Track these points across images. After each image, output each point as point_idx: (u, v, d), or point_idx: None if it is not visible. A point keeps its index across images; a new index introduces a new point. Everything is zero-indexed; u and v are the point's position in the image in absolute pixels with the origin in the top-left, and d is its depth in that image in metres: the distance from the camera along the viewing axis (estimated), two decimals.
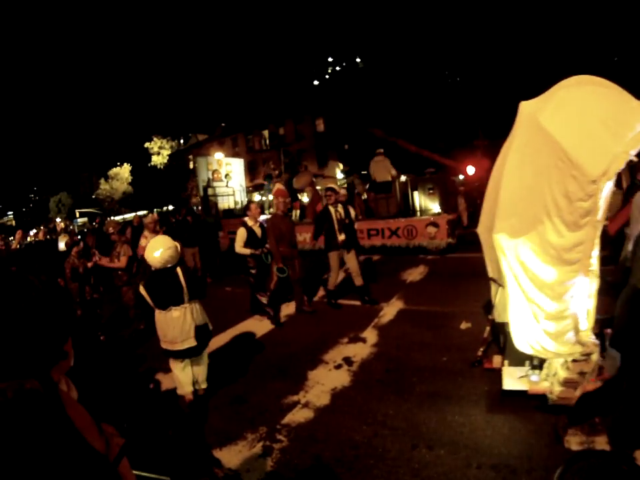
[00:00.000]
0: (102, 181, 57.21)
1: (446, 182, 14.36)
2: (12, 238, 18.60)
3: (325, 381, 4.86)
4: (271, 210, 17.15)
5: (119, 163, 57.92)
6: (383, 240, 12.33)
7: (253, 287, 7.36)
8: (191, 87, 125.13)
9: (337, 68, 57.12)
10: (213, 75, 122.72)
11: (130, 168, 56.56)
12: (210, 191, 19.92)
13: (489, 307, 6.12)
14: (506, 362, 4.15)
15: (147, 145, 55.83)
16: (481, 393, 4.24)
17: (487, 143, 19.96)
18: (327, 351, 5.69)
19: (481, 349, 4.65)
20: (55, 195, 68.18)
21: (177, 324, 4.40)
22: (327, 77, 56.12)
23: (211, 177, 20.43)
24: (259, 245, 7.02)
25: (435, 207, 13.37)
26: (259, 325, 7.05)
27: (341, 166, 13.63)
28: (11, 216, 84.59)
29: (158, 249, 4.33)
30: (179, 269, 4.43)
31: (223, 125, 55.88)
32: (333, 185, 8.00)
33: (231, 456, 3.68)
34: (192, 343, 4.45)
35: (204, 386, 4.82)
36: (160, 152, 55.61)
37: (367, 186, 15.15)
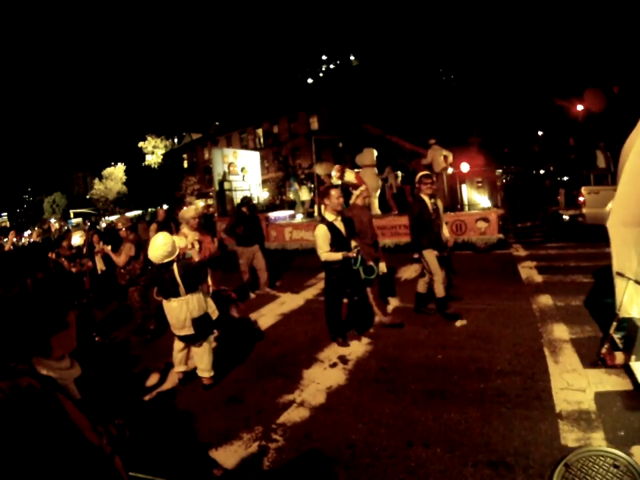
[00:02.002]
0: (96, 180, 57.06)
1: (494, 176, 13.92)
2: (6, 239, 18.49)
3: (321, 380, 4.84)
4: (305, 207, 16.91)
5: (113, 163, 57.88)
6: None
7: (336, 299, 5.85)
8: (185, 86, 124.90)
9: (331, 66, 57.12)
10: (207, 73, 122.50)
11: (124, 168, 56.40)
12: (226, 185, 18.20)
13: (488, 304, 6.13)
14: (632, 357, 4.05)
15: (141, 144, 55.68)
16: (476, 390, 4.23)
17: (480, 140, 19.98)
18: (322, 350, 5.67)
19: (605, 346, 4.43)
20: (49, 196, 67.93)
21: (174, 313, 4.79)
22: (321, 75, 56.11)
23: (226, 170, 18.59)
24: (344, 245, 5.54)
25: (483, 201, 12.94)
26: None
27: (376, 152, 12.90)
28: (5, 217, 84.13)
29: (155, 246, 4.73)
30: (175, 265, 4.77)
31: (217, 123, 55.84)
32: (427, 171, 6.93)
33: (227, 456, 3.66)
34: (188, 331, 4.81)
35: (205, 374, 4.96)
36: (154, 151, 55.46)
37: (399, 179, 14.88)
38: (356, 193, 6.56)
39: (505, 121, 27.87)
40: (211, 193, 49.57)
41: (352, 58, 53.34)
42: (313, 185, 16.69)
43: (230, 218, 9.61)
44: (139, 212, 47.66)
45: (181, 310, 4.74)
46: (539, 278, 8.08)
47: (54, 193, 67.86)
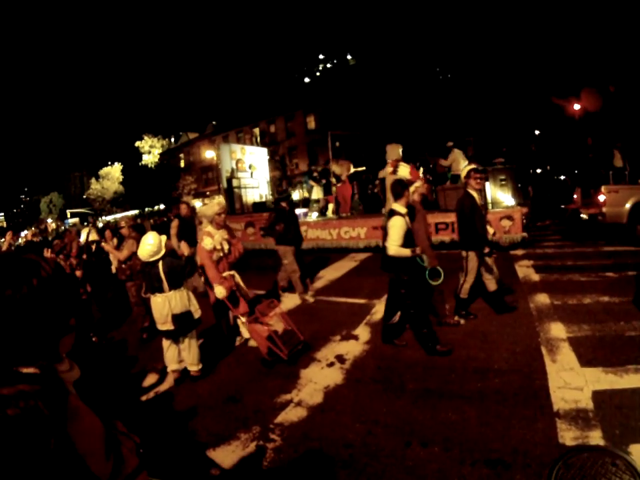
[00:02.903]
0: (93, 180, 56.96)
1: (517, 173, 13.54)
2: (3, 239, 18.40)
3: (318, 379, 4.84)
4: (314, 206, 16.50)
5: (109, 163, 57.75)
6: (452, 235, 11.13)
7: (417, 301, 5.33)
8: (181, 85, 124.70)
9: (328, 65, 57.11)
10: (204, 73, 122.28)
11: (121, 167, 56.30)
12: (235, 182, 17.71)
13: (485, 303, 6.13)
14: None
15: (137, 143, 55.59)
16: (473, 389, 4.23)
17: (473, 139, 19.94)
18: (319, 349, 5.66)
19: None
20: (45, 196, 67.80)
21: (158, 308, 5.07)
22: (318, 74, 56.09)
23: (234, 166, 18.00)
24: (411, 243, 5.21)
25: (506, 199, 12.52)
26: None
27: (401, 148, 12.48)
28: (2, 217, 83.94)
29: (143, 245, 5.09)
30: (160, 262, 5.08)
31: (213, 123, 55.76)
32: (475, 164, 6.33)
33: (225, 456, 3.65)
34: (169, 326, 5.06)
35: (192, 368, 5.23)
36: (151, 151, 55.37)
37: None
38: (411, 188, 6.02)
39: (502, 119, 27.93)
40: (208, 193, 49.67)
41: (349, 57, 53.36)
42: (324, 182, 16.27)
43: (269, 214, 8.98)
44: (135, 211, 47.57)
45: (164, 305, 5.02)
46: (536, 277, 8.08)
47: (51, 192, 67.81)
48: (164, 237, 5.35)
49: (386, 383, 4.57)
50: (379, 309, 6.97)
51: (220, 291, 5.47)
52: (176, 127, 61.78)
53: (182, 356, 5.27)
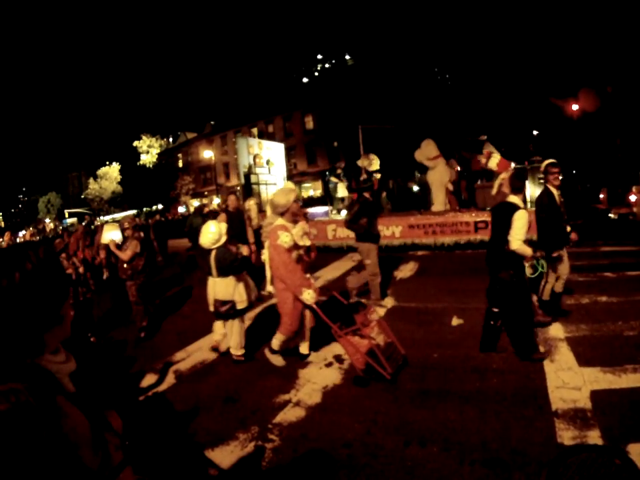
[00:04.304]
0: (91, 180, 56.82)
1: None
2: (1, 239, 18.38)
3: (316, 379, 4.83)
4: (340, 205, 16.03)
5: (107, 162, 57.58)
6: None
7: (528, 304, 4.91)
8: (180, 85, 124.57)
9: (326, 65, 57.11)
10: (202, 73, 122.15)
11: (119, 167, 56.18)
12: (253, 178, 16.86)
13: (483, 303, 6.13)
14: None
15: (135, 143, 55.49)
16: (472, 389, 4.23)
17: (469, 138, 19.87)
18: (318, 349, 5.65)
19: None
20: (43, 195, 67.68)
21: (208, 290, 5.54)
22: (316, 74, 56.09)
23: (252, 162, 17.09)
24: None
25: None
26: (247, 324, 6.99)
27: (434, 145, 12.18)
28: (0, 217, 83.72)
29: (205, 233, 5.40)
30: (213, 251, 5.41)
31: (212, 122, 55.73)
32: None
33: (224, 456, 3.64)
34: (211, 308, 5.51)
35: (234, 352, 5.53)
36: (149, 151, 55.29)
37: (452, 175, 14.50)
38: (497, 181, 5.71)
39: (500, 119, 27.95)
40: (206, 193, 49.64)
41: (347, 57, 53.37)
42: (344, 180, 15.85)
43: (352, 205, 7.69)
44: (134, 211, 47.46)
45: (211, 288, 5.48)
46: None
47: (49, 192, 67.68)
48: (224, 225, 5.64)
49: (384, 382, 4.57)
50: (376, 309, 6.97)
51: (310, 295, 4.70)
52: (174, 127, 61.76)
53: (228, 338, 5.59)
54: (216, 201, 39.15)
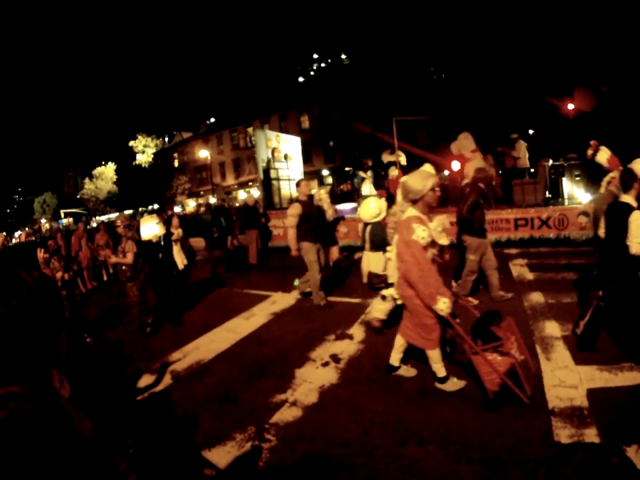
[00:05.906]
0: (86, 180, 56.57)
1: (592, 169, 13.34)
2: None
3: (313, 379, 4.83)
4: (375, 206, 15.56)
5: (103, 162, 57.35)
6: (531, 231, 10.83)
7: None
8: (175, 85, 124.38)
9: (322, 64, 57.12)
10: (198, 72, 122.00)
11: (115, 167, 55.99)
12: (272, 173, 15.95)
13: (479, 302, 6.13)
14: None
15: (131, 143, 55.25)
16: (469, 387, 4.23)
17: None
18: (314, 349, 5.65)
19: None
20: (39, 196, 67.43)
21: (363, 263, 6.12)
22: (312, 73, 56.10)
23: (270, 156, 16.12)
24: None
25: (580, 194, 12.05)
26: (246, 324, 6.99)
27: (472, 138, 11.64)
28: None
29: (366, 207, 5.96)
30: (369, 226, 5.95)
31: (207, 122, 55.66)
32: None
33: (220, 456, 3.63)
34: (365, 280, 6.15)
35: (374, 319, 5.94)
36: (145, 150, 55.13)
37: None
38: (606, 179, 5.31)
39: (496, 118, 28.01)
40: (202, 192, 49.53)
41: (343, 56, 53.40)
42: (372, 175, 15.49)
43: (466, 195, 6.67)
44: (130, 211, 47.35)
45: (365, 262, 5.99)
46: (530, 275, 8.11)
47: (44, 192, 67.40)
48: (383, 201, 6.08)
49: (381, 381, 4.57)
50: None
51: (446, 305, 3.81)
52: (170, 127, 61.50)
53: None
54: (212, 200, 39.08)
